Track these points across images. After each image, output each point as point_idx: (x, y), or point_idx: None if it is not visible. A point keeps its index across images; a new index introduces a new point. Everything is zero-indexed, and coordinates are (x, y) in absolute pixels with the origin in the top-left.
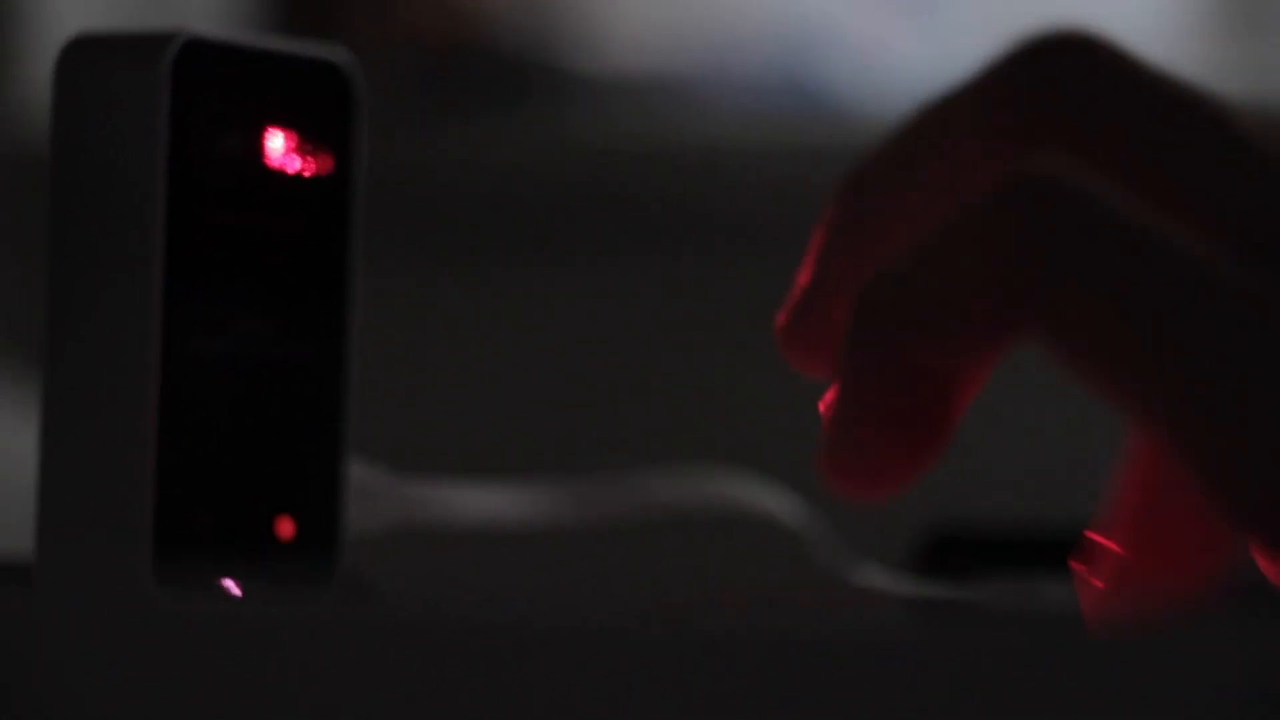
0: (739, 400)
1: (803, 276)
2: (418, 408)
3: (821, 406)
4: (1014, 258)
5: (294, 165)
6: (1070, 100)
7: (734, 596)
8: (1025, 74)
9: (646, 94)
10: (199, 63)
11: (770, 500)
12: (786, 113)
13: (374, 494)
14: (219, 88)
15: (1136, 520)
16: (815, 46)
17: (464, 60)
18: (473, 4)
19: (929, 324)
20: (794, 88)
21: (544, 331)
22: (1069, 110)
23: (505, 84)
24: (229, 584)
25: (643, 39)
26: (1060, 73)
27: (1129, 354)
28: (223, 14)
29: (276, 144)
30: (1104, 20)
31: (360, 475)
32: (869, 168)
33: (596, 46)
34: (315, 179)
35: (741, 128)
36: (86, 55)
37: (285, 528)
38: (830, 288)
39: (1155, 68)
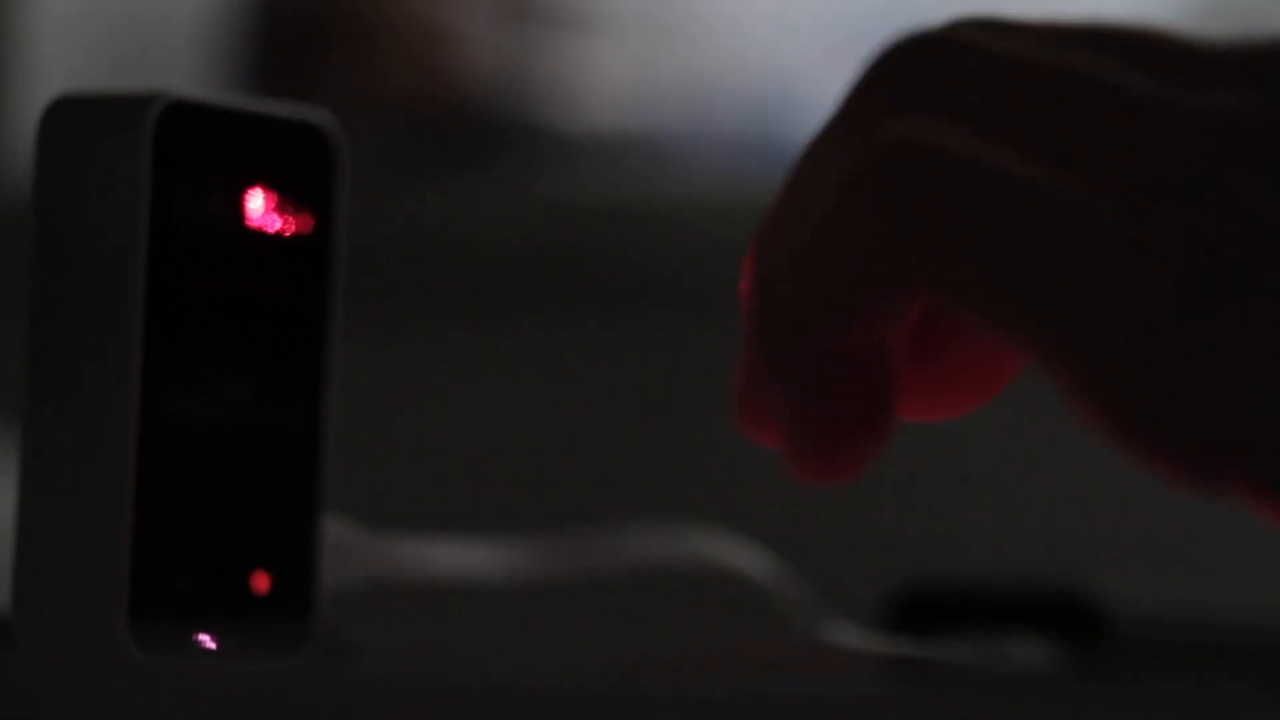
0: (713, 459)
1: (743, 349)
2: (387, 467)
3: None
4: (887, 224)
5: (275, 226)
6: (932, 84)
7: (708, 656)
8: (886, 77)
9: (623, 152)
10: (181, 124)
11: (743, 558)
12: (762, 171)
13: (349, 551)
14: (201, 149)
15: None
16: (791, 104)
17: (439, 118)
18: (449, 63)
19: (825, 305)
20: (770, 146)
21: (519, 389)
22: (933, 93)
23: (481, 142)
24: (205, 640)
25: (619, 97)
26: (920, 63)
27: (1008, 292)
28: (200, 71)
29: (258, 205)
30: None
31: (336, 532)
32: (768, 221)
33: (572, 105)
34: (296, 240)
35: (717, 186)
36: (70, 116)
37: (261, 584)
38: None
39: (1037, 26)
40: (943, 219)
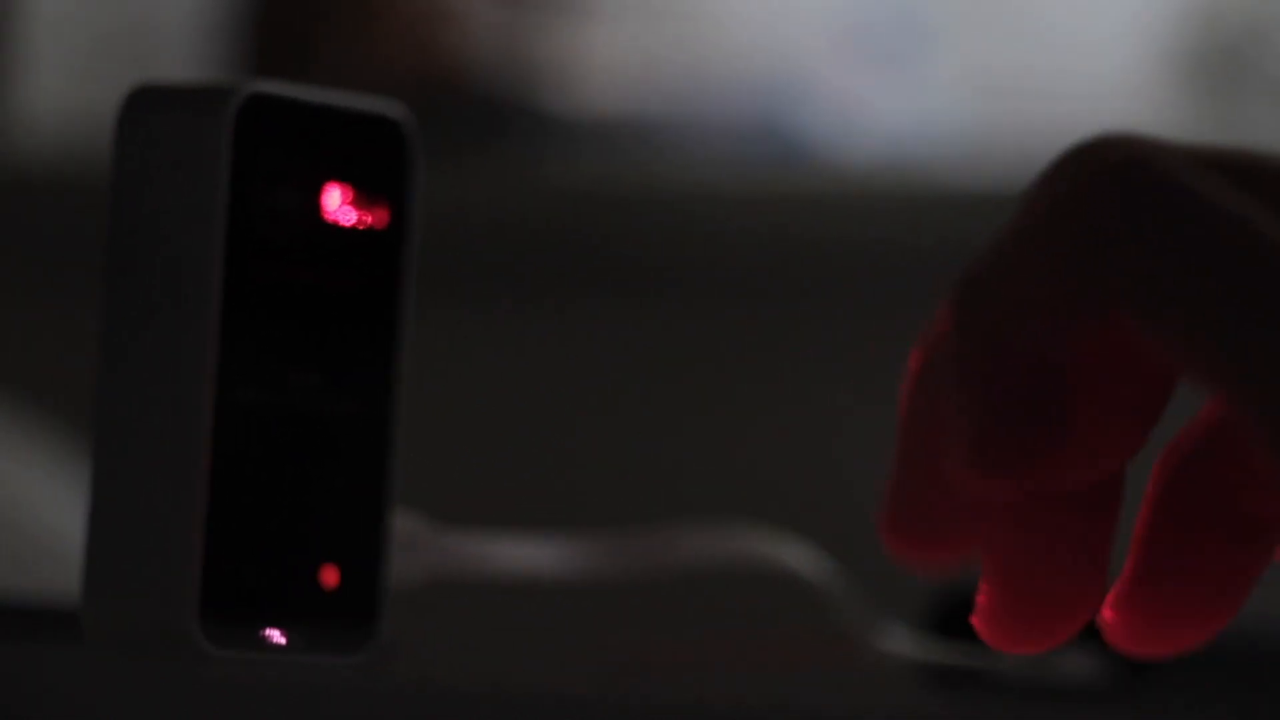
0: (705, 444)
1: (896, 466)
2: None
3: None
4: (1102, 237)
5: (350, 218)
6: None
7: (761, 654)
8: (1082, 211)
9: (622, 137)
10: (260, 116)
11: (799, 559)
12: (761, 159)
13: (413, 545)
14: (279, 141)
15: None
16: (791, 93)
17: (437, 100)
18: (446, 44)
19: (1026, 302)
20: (769, 134)
21: (516, 373)
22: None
23: (480, 125)
24: (274, 635)
25: (619, 82)
26: (1119, 205)
27: (1217, 334)
28: (197, 50)
29: (333, 197)
30: (1078, 78)
31: (401, 525)
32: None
33: (572, 89)
34: (370, 232)
35: (716, 173)
36: (149, 106)
37: (330, 578)
38: (927, 467)
39: (1200, 179)
40: (1162, 241)
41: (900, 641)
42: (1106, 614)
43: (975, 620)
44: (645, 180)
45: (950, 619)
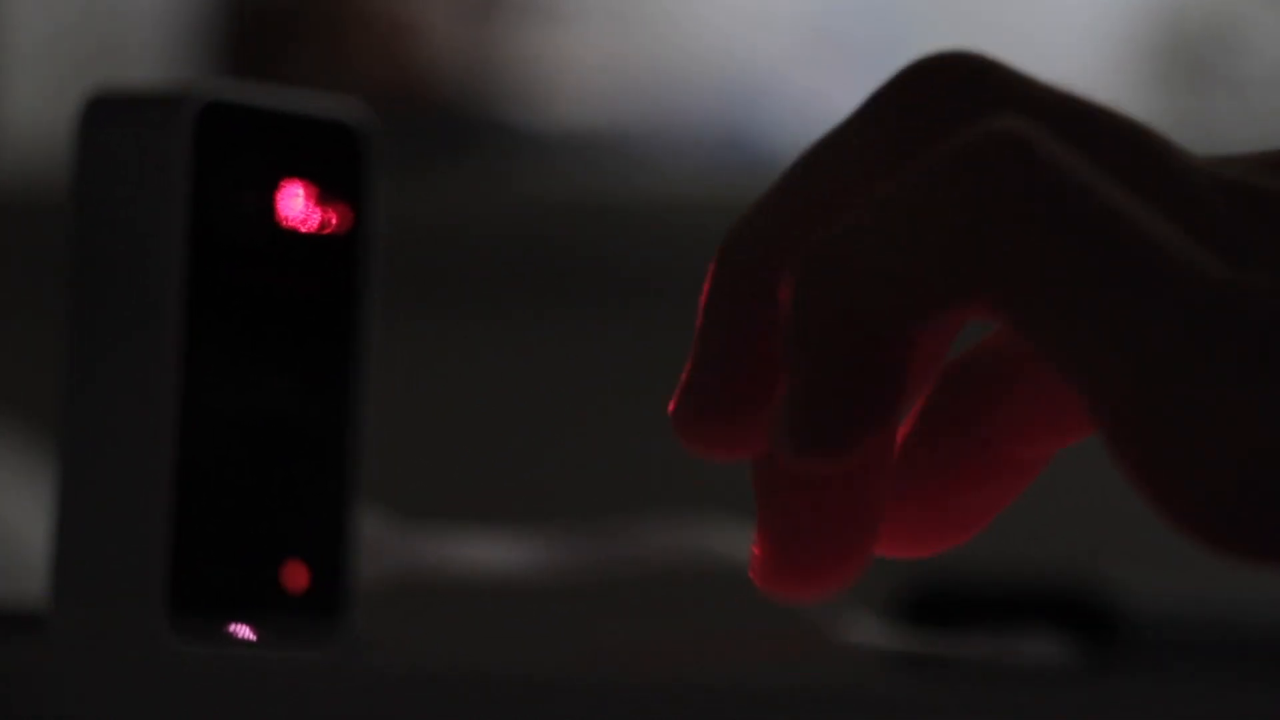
0: (675, 450)
1: (694, 353)
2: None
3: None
4: (980, 213)
5: (310, 222)
6: (965, 116)
7: (724, 647)
8: (915, 100)
9: (591, 148)
10: (218, 122)
11: None
12: (731, 167)
13: (380, 544)
14: (237, 147)
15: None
16: (760, 101)
17: (407, 113)
18: (416, 57)
19: (883, 276)
20: (738, 142)
21: (487, 385)
22: (973, 118)
23: (449, 137)
24: (243, 631)
25: (588, 92)
26: (952, 93)
27: (1088, 330)
28: (167, 62)
29: (293, 202)
30: (1046, 73)
31: (367, 525)
32: (752, 221)
33: (541, 101)
34: (331, 235)
35: (686, 182)
36: (107, 113)
37: (298, 577)
38: (726, 358)
39: (1050, 83)
40: (1045, 227)
41: (867, 631)
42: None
43: (751, 574)
44: (616, 190)
45: (917, 608)
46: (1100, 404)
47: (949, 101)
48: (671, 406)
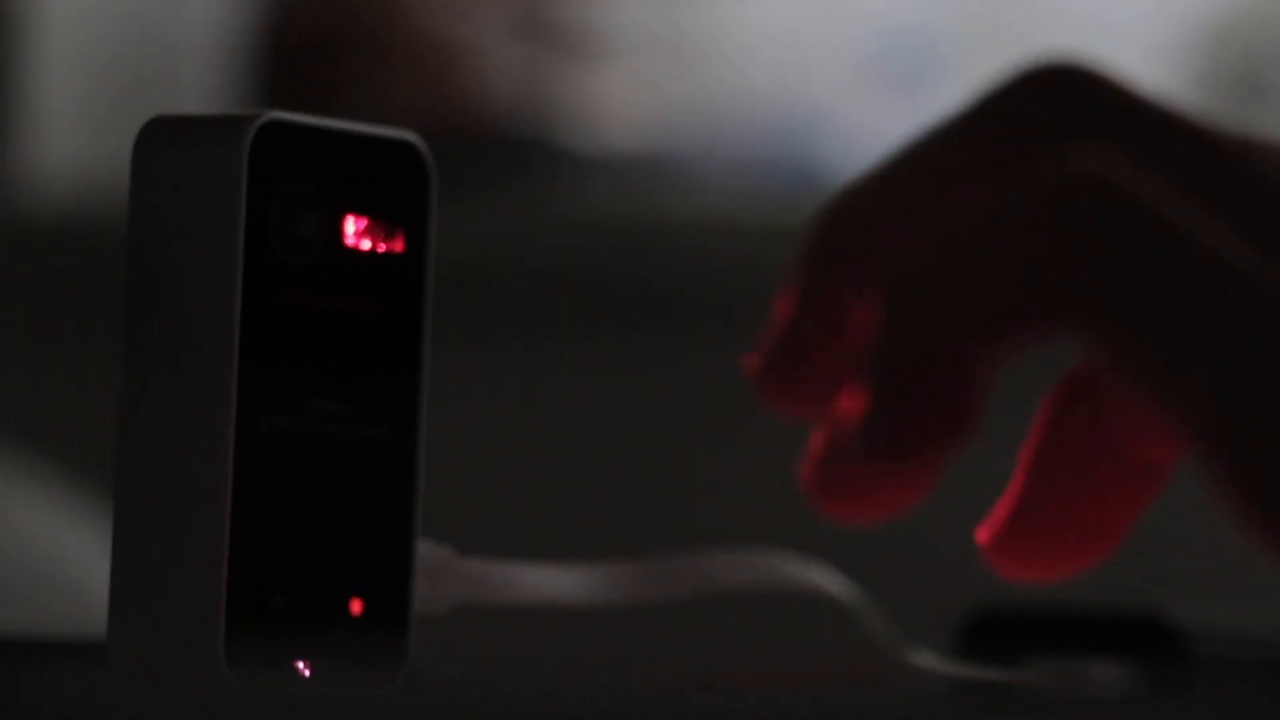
0: (724, 475)
1: (782, 314)
2: None
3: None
4: (1065, 250)
5: (368, 244)
6: (1073, 129)
7: (791, 674)
8: (1022, 105)
9: (641, 172)
10: (277, 143)
11: (826, 580)
12: (781, 191)
13: (438, 572)
14: (295, 168)
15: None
16: (810, 125)
17: (453, 137)
18: (462, 81)
19: (967, 309)
20: (788, 166)
21: (533, 409)
22: (1073, 138)
23: (495, 161)
24: (300, 665)
25: (637, 117)
26: (1060, 103)
27: (1180, 364)
28: (212, 87)
29: (351, 223)
30: None
31: (425, 553)
32: (854, 201)
33: (590, 124)
34: (389, 258)
35: (736, 206)
36: (165, 136)
37: (356, 607)
38: (814, 325)
39: (1149, 94)
40: (1132, 264)
41: (930, 659)
42: (983, 536)
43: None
44: (664, 214)
45: (982, 635)
46: (1197, 430)
47: (1053, 113)
48: (753, 362)
